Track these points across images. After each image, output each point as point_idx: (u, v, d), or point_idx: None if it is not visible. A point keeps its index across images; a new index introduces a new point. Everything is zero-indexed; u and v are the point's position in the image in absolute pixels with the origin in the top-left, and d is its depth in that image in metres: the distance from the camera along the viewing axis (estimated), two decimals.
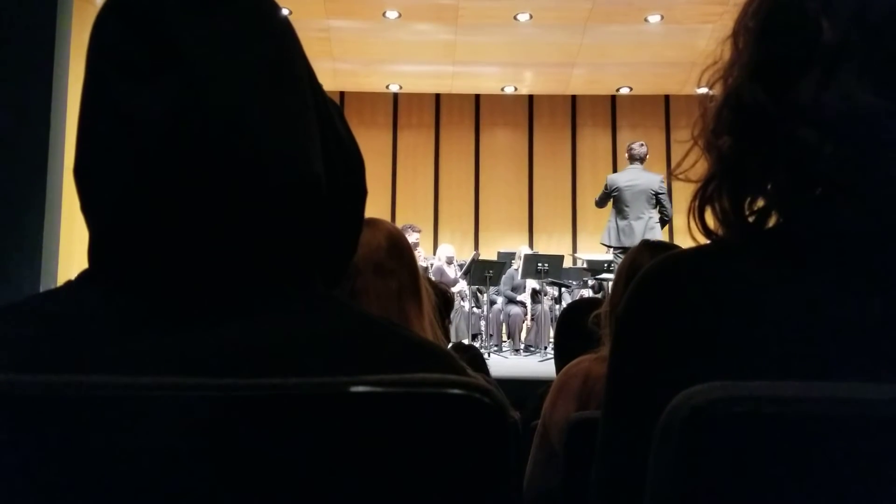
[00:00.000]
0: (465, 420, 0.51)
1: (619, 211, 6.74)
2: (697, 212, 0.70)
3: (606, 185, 6.88)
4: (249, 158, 0.59)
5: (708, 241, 0.71)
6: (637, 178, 6.73)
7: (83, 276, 0.63)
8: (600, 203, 7.04)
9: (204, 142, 0.58)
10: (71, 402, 0.50)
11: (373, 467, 0.50)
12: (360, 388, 0.50)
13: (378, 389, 0.50)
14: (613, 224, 6.75)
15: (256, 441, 0.50)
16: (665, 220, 6.88)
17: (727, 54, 0.70)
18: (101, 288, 0.61)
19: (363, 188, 0.75)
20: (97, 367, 0.54)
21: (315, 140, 0.66)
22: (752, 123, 0.66)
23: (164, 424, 0.49)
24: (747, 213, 0.68)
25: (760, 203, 0.68)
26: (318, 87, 0.70)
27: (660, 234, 6.66)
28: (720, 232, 0.69)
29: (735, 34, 0.69)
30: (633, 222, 6.61)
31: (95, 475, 0.49)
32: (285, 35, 0.66)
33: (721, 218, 0.69)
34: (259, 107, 0.61)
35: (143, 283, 0.59)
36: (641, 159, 6.81)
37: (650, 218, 6.70)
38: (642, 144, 6.95)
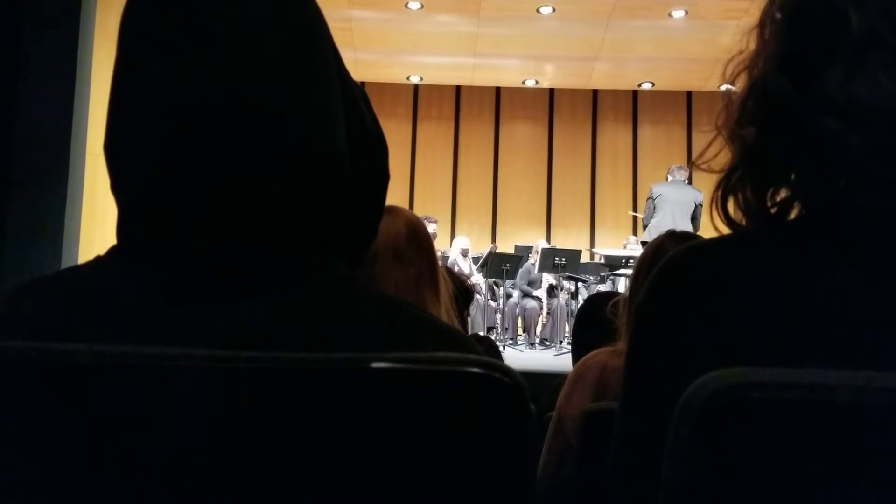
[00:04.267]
0: (485, 398, 0.52)
1: (664, 214, 7.19)
2: (720, 201, 0.70)
3: (652, 191, 7.47)
4: (276, 136, 0.60)
5: (729, 232, 0.70)
6: (681, 188, 7.44)
7: (112, 251, 0.64)
8: (647, 216, 7.48)
9: (232, 119, 0.59)
10: (99, 371, 0.51)
11: (393, 442, 0.51)
12: (382, 365, 0.51)
13: (399, 366, 0.51)
14: (654, 227, 7.09)
15: (280, 414, 0.51)
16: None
17: (752, 45, 0.70)
18: (129, 263, 0.62)
19: (385, 171, 0.75)
20: (124, 339, 0.55)
21: (339, 120, 0.67)
22: (777, 114, 0.66)
23: (190, 395, 0.50)
24: (770, 204, 0.68)
25: (784, 194, 0.68)
26: (344, 70, 0.71)
27: None
28: (743, 222, 0.69)
29: (761, 25, 0.69)
30: (678, 222, 6.99)
31: (120, 444, 0.50)
32: (312, 17, 0.67)
33: (744, 208, 0.69)
34: (285, 86, 0.61)
35: (171, 258, 0.60)
36: (685, 177, 7.62)
37: (689, 225, 7.19)
38: (682, 168, 7.71)
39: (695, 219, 7.29)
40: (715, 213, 0.71)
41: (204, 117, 0.58)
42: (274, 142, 0.60)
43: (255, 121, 0.59)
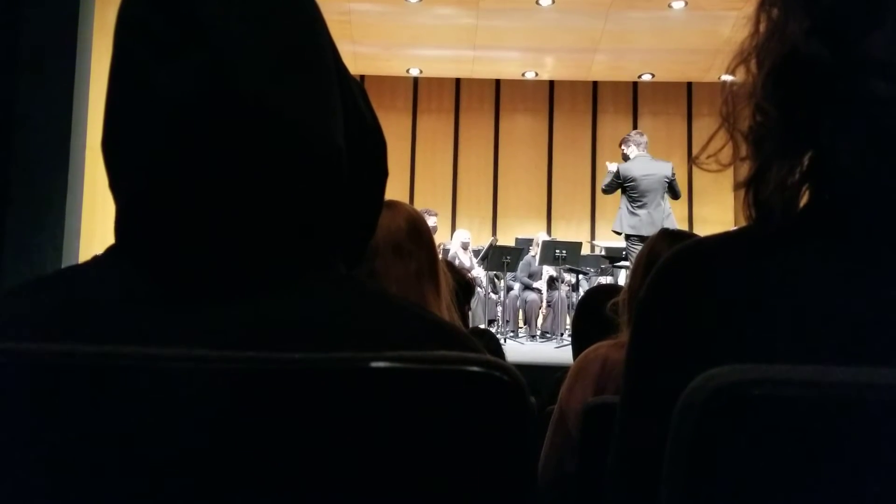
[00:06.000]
0: (484, 397, 0.52)
1: (635, 200, 6.75)
2: (755, 198, 0.66)
3: (619, 175, 6.84)
4: (274, 134, 0.60)
5: (736, 227, 0.68)
6: (651, 167, 6.81)
7: (110, 251, 0.64)
8: (609, 190, 7.01)
9: (230, 117, 0.58)
10: (95, 372, 0.50)
11: (392, 442, 0.51)
12: (381, 364, 0.50)
13: (398, 365, 0.51)
14: (626, 212, 6.76)
15: (278, 414, 0.50)
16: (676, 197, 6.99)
17: (761, 28, 0.66)
18: (127, 262, 0.62)
19: (384, 168, 0.75)
20: (122, 339, 0.55)
21: (338, 117, 0.66)
22: (816, 85, 0.62)
23: (188, 396, 0.50)
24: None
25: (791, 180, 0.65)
26: (342, 66, 0.70)
27: (675, 222, 6.69)
28: (769, 214, 0.65)
29: (767, 6, 0.66)
30: (651, 212, 6.65)
31: (118, 445, 0.50)
32: (310, 13, 0.67)
33: (785, 199, 0.64)
34: (284, 83, 0.61)
35: (169, 257, 0.60)
36: (646, 146, 6.94)
37: (666, 206, 6.79)
38: (641, 133, 7.10)
39: (671, 189, 6.76)
40: (747, 213, 0.66)
41: (202, 115, 0.58)
42: (272, 140, 0.60)
43: (254, 119, 0.59)
